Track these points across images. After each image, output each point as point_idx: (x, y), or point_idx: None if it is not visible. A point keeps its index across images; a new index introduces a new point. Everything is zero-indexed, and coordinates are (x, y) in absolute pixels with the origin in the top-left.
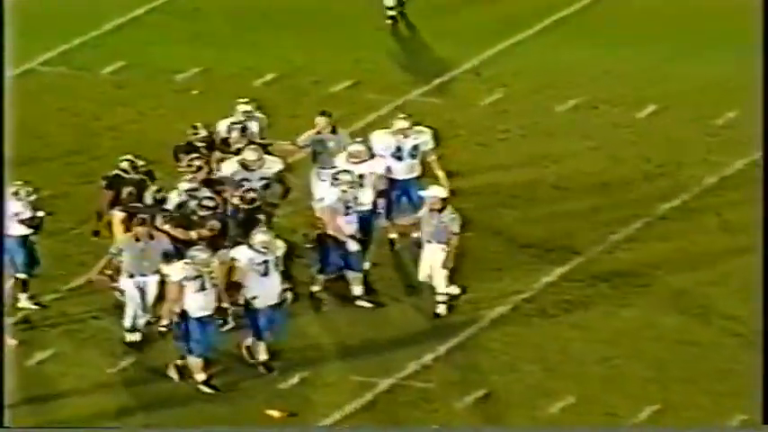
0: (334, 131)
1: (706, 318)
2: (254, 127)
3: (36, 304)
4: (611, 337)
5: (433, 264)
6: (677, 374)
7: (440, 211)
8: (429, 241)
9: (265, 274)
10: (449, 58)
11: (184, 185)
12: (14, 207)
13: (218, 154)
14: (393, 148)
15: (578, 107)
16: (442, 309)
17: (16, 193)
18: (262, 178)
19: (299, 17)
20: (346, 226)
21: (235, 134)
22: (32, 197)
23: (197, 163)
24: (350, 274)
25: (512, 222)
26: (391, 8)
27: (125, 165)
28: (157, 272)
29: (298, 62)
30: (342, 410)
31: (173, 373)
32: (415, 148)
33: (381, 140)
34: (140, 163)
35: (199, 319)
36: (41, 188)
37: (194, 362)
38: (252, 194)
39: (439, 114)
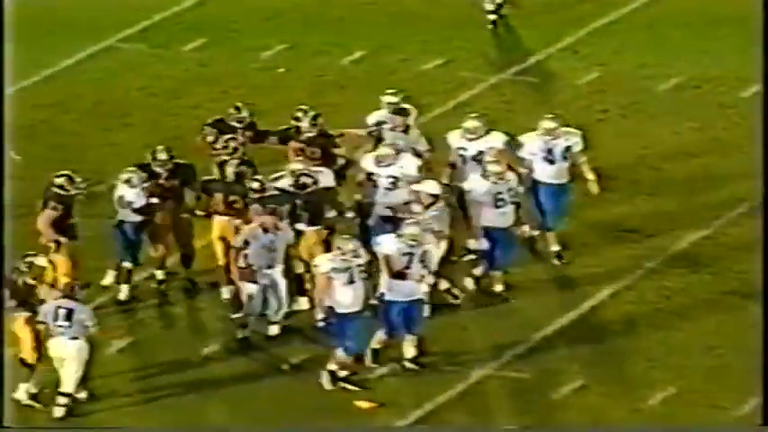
0: (406, 131)
1: None
2: (399, 121)
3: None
4: (714, 326)
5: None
6: None
7: (428, 207)
8: None
9: (407, 267)
10: (545, 36)
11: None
12: (128, 195)
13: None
14: (544, 150)
15: (680, 86)
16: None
17: (128, 181)
18: (389, 176)
19: None
20: (495, 219)
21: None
22: (146, 184)
23: (232, 144)
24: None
25: (611, 206)
26: (492, 11)
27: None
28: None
29: (386, 39)
30: (433, 401)
31: (326, 382)
32: (567, 149)
33: (531, 142)
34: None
35: (348, 315)
36: (120, 170)
37: (341, 356)
38: (305, 179)
39: (534, 94)
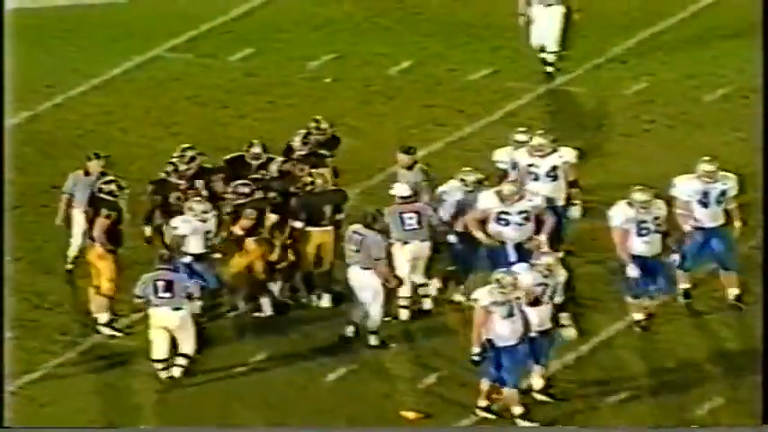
0: (411, 168)
1: None
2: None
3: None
4: (763, 335)
5: (418, 260)
6: None
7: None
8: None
9: (540, 297)
10: (593, 46)
11: None
12: (175, 222)
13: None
14: (700, 193)
15: (727, 97)
16: (427, 304)
17: (191, 209)
18: (521, 212)
19: (435, 2)
20: (639, 246)
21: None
22: (209, 214)
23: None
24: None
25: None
26: (549, 63)
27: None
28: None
29: (434, 49)
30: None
31: (482, 410)
32: (723, 193)
33: (688, 185)
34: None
35: (507, 348)
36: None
37: (509, 393)
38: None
39: (582, 104)
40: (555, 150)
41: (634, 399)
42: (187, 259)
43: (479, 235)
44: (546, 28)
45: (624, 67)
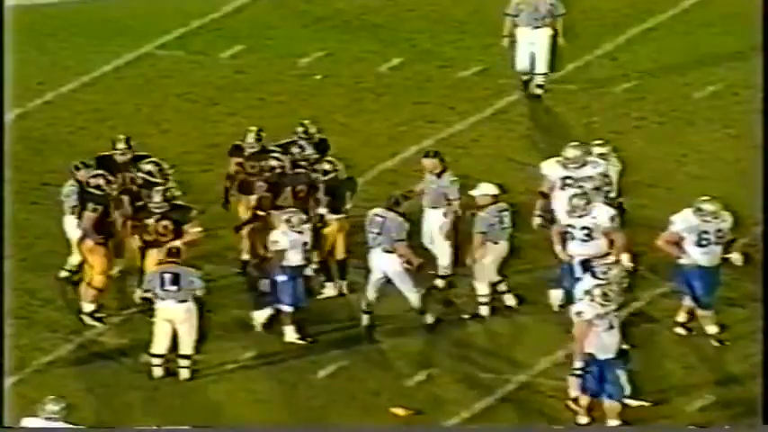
0: (440, 175)
1: None
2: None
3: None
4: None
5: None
6: None
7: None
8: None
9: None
10: (583, 43)
11: None
12: (275, 236)
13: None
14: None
15: (718, 94)
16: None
17: (288, 221)
18: (583, 227)
19: None
20: (697, 256)
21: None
22: (306, 225)
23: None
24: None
25: (650, 213)
26: (540, 86)
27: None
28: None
29: (424, 46)
30: (470, 409)
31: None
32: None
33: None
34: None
35: (609, 361)
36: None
37: (612, 406)
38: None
39: (573, 101)
40: (588, 162)
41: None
42: (283, 278)
43: (557, 248)
44: (535, 51)
45: (614, 63)
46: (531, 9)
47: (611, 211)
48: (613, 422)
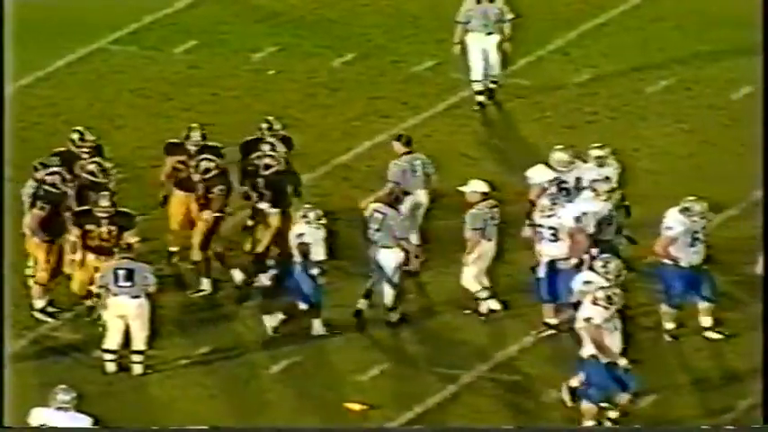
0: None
1: None
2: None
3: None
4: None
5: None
6: None
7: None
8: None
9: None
10: (535, 38)
11: None
12: (298, 229)
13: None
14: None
15: (670, 88)
16: (483, 306)
17: (305, 216)
18: (550, 227)
19: None
20: (689, 257)
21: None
22: (322, 221)
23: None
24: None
25: None
26: (480, 92)
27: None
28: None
29: (378, 41)
30: (424, 404)
31: (566, 395)
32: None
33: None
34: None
35: (610, 364)
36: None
37: (589, 408)
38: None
39: (526, 95)
40: (575, 162)
41: None
42: (316, 270)
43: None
44: (487, 56)
45: (567, 58)
46: (481, 15)
47: (577, 212)
48: (588, 423)
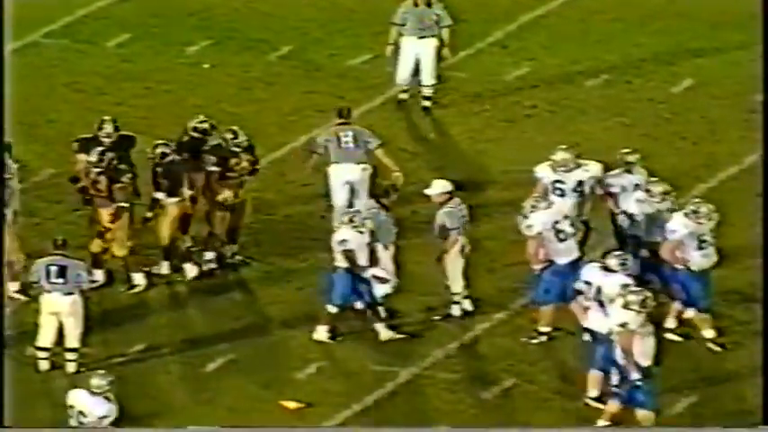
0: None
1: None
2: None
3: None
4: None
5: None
6: None
7: (441, 205)
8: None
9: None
10: (473, 30)
11: None
12: (341, 235)
13: None
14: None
15: (610, 82)
16: (455, 309)
17: (350, 221)
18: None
19: None
20: (698, 260)
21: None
22: (368, 225)
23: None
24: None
25: None
26: (405, 91)
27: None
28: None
29: (314, 34)
30: (361, 402)
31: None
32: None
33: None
34: None
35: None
36: (44, 167)
37: (647, 415)
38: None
39: (464, 88)
40: (580, 165)
41: (515, 388)
42: (369, 275)
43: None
44: (420, 60)
45: (505, 51)
46: (417, 19)
47: (547, 221)
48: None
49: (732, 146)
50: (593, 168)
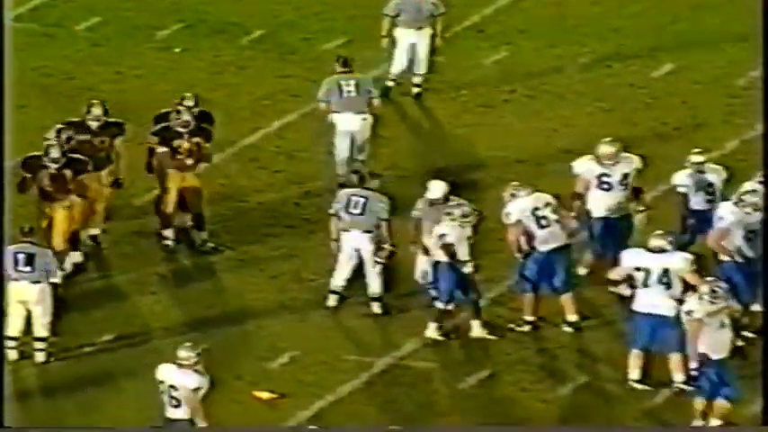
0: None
1: None
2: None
3: (444, 335)
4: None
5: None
6: None
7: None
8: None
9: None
10: (450, 15)
11: None
12: (441, 229)
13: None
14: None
15: (589, 66)
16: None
17: (449, 213)
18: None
19: None
20: (748, 250)
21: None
22: (469, 219)
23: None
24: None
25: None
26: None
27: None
28: None
29: (287, 17)
30: (335, 392)
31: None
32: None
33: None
34: None
35: (723, 361)
36: (13, 153)
37: (724, 406)
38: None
39: (440, 74)
40: (623, 158)
41: (492, 378)
42: (468, 269)
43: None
44: (415, 51)
45: (482, 35)
46: (413, 9)
47: (523, 206)
48: (719, 422)
49: (714, 131)
50: (636, 160)
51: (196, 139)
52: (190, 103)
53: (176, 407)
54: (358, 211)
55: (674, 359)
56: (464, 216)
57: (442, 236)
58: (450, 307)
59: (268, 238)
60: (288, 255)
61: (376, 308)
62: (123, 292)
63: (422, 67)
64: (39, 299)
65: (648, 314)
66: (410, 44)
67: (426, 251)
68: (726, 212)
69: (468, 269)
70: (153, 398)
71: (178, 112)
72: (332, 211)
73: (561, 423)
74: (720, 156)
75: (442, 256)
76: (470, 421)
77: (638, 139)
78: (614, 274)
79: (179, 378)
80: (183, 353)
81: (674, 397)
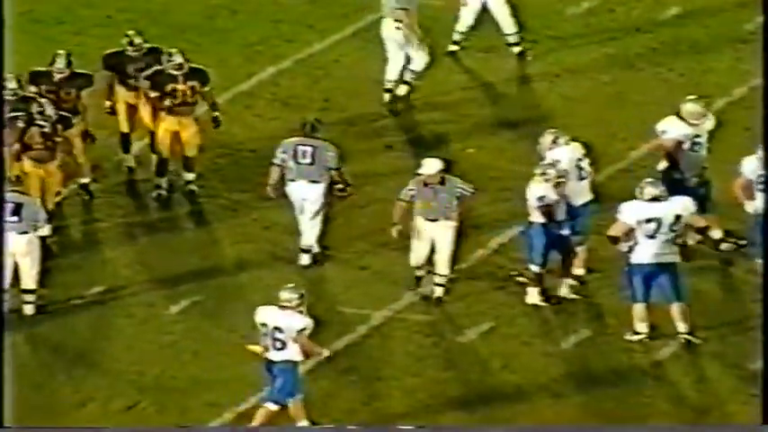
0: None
1: None
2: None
3: (548, 299)
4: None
5: (439, 244)
6: None
7: (441, 183)
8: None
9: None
10: None
11: None
12: (538, 191)
13: None
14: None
15: (593, 11)
16: (439, 291)
17: (544, 174)
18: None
19: None
20: (758, 204)
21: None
22: (563, 179)
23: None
24: None
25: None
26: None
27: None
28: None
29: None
30: (331, 345)
31: None
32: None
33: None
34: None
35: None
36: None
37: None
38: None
39: (437, 14)
40: (707, 115)
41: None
42: (566, 231)
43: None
44: (492, 10)
45: None
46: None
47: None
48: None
49: (721, 77)
50: (713, 118)
51: (191, 83)
52: (138, 40)
53: (281, 349)
54: (307, 160)
55: (676, 309)
56: (559, 176)
57: (541, 197)
58: (537, 269)
59: (261, 187)
60: (282, 204)
61: (305, 259)
62: (113, 242)
63: (511, 27)
64: (26, 250)
65: (649, 264)
66: (481, 2)
67: (401, 234)
68: (753, 164)
69: (566, 231)
70: (145, 348)
71: (131, 48)
72: (276, 161)
73: (565, 377)
74: (727, 103)
75: (538, 218)
76: (472, 375)
77: (643, 85)
78: (615, 231)
79: (284, 320)
80: (285, 294)
81: (681, 350)
